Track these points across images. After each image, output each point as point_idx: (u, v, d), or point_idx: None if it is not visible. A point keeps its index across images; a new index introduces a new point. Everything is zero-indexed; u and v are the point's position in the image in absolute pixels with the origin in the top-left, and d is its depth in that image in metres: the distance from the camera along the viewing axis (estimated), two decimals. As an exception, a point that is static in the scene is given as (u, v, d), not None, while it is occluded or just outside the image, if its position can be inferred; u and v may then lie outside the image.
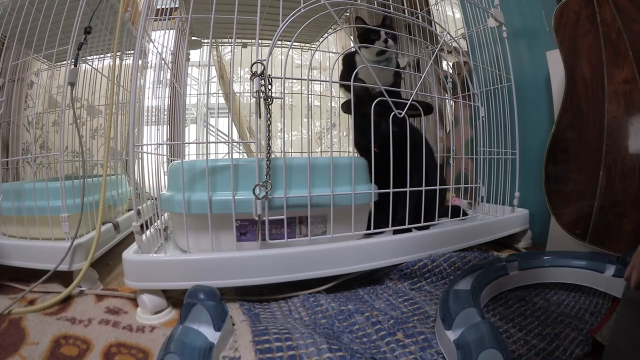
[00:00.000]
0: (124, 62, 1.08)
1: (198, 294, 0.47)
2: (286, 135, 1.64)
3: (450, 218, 0.90)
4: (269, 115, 0.59)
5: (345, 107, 0.80)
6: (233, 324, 0.52)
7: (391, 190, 0.70)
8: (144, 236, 0.62)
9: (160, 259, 0.60)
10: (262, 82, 0.57)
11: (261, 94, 0.58)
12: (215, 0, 0.61)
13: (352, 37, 0.95)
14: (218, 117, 2.06)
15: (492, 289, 0.61)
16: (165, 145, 0.99)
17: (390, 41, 0.87)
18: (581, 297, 0.62)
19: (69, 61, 0.73)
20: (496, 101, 0.96)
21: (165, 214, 0.80)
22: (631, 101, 0.73)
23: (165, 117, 1.16)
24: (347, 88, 0.84)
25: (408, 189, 0.72)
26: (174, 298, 0.62)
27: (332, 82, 0.72)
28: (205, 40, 1.17)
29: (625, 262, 0.59)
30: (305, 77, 0.65)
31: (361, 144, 0.81)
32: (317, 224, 0.67)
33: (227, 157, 0.98)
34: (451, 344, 0.42)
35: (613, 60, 0.76)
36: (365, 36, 0.90)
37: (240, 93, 1.64)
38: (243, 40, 1.26)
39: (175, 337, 0.41)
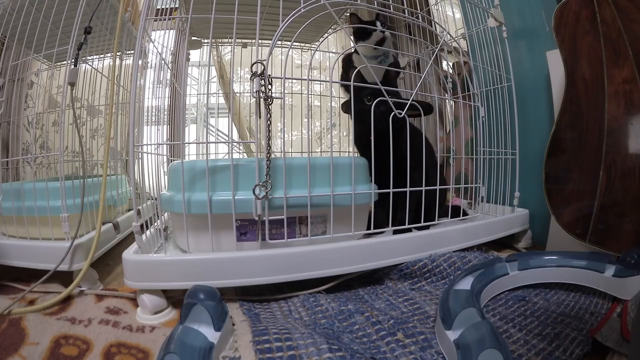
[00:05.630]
0: (124, 62, 1.08)
1: (198, 294, 0.47)
2: (286, 135, 1.64)
3: (450, 218, 0.90)
4: (269, 115, 0.59)
5: (345, 107, 0.81)
6: (233, 324, 0.52)
7: (391, 190, 0.70)
8: (144, 236, 0.62)
9: (160, 259, 0.60)
10: (262, 82, 0.57)
11: (261, 94, 0.58)
12: (215, 0, 0.61)
13: (351, 37, 0.95)
14: (218, 117, 2.06)
15: (492, 289, 0.61)
16: (165, 145, 0.99)
17: (387, 32, 0.87)
18: (581, 297, 0.62)
19: (69, 61, 0.73)
20: (496, 101, 0.96)
21: (165, 214, 0.80)
22: (631, 101, 0.73)
23: (165, 117, 1.16)
24: (347, 88, 0.85)
25: (408, 189, 0.72)
26: (174, 298, 0.62)
27: (332, 82, 0.72)
28: (205, 40, 1.17)
29: (625, 262, 0.59)
30: (305, 77, 0.65)
31: (359, 134, 0.81)
32: (317, 224, 0.67)
33: (227, 157, 0.98)
34: (451, 344, 0.42)
35: (613, 60, 0.76)
36: (361, 32, 0.90)
37: (240, 93, 1.64)
38: (243, 40, 1.26)
39: (175, 337, 0.41)
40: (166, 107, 1.12)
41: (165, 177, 0.78)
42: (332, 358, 0.41)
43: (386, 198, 0.71)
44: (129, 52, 1.08)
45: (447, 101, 1.26)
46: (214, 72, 1.77)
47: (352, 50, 0.99)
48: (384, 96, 0.70)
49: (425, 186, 0.75)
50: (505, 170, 0.94)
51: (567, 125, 0.83)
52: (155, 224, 0.70)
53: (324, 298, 0.61)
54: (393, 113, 0.71)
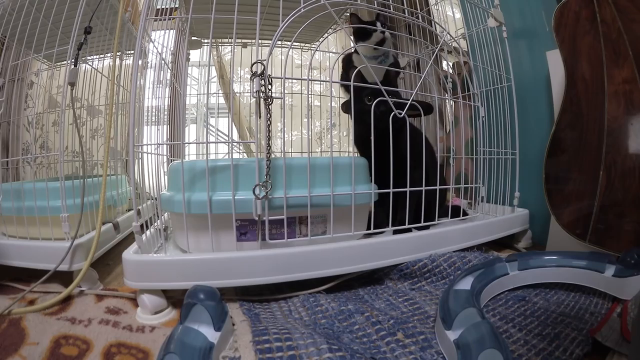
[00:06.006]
0: (124, 62, 1.08)
1: (198, 294, 0.47)
2: (286, 135, 1.64)
3: (450, 218, 0.90)
4: (269, 115, 0.59)
5: (345, 107, 0.81)
6: (233, 324, 0.52)
7: (391, 190, 0.70)
8: (144, 236, 0.62)
9: (160, 259, 0.60)
10: (262, 82, 0.57)
11: (261, 94, 0.58)
12: (215, 0, 0.61)
13: (351, 37, 0.95)
14: (218, 117, 2.06)
15: (492, 289, 0.61)
16: (165, 145, 0.99)
17: (387, 32, 0.88)
18: (581, 297, 0.62)
19: (69, 61, 0.73)
20: (496, 101, 0.96)
21: (165, 214, 0.80)
22: (631, 101, 0.73)
23: (165, 117, 1.16)
24: (346, 88, 0.85)
25: (408, 189, 0.72)
26: (174, 298, 0.62)
27: (332, 82, 0.72)
28: (205, 40, 1.17)
29: (625, 262, 0.59)
30: (305, 77, 0.65)
31: (359, 134, 0.81)
32: (317, 224, 0.67)
33: (227, 157, 0.99)
34: (451, 344, 0.42)
35: (613, 60, 0.76)
36: (361, 32, 0.90)
37: (240, 93, 1.64)
38: (243, 40, 1.26)
39: (175, 337, 0.41)
40: (166, 107, 1.12)
41: (165, 177, 0.78)
42: (332, 358, 0.41)
43: (386, 198, 0.71)
44: (129, 52, 1.08)
45: (447, 101, 1.26)
46: (214, 72, 1.77)
47: (352, 51, 0.99)
48: (384, 96, 0.70)
49: (425, 186, 0.75)
50: (505, 170, 0.94)
51: (567, 125, 0.83)
52: (155, 224, 0.70)
53: (324, 298, 0.61)
54: (393, 113, 0.71)
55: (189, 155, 1.21)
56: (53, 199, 0.72)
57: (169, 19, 0.90)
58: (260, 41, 0.62)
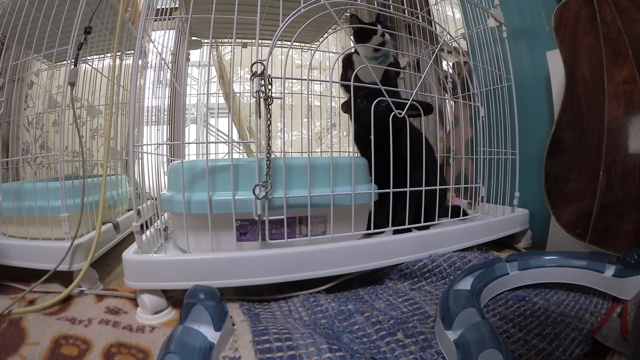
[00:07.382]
0: (124, 62, 1.08)
1: (198, 294, 0.47)
2: (286, 135, 1.64)
3: (450, 218, 0.90)
4: (269, 115, 0.59)
5: (345, 107, 0.81)
6: (233, 324, 0.52)
7: (391, 190, 0.70)
8: (144, 236, 0.62)
9: (160, 259, 0.60)
10: (262, 82, 0.57)
11: (261, 94, 0.58)
12: (215, 0, 0.61)
13: (352, 37, 0.95)
14: (218, 117, 2.06)
15: (492, 289, 0.61)
16: (165, 145, 0.99)
17: (387, 35, 0.88)
18: (581, 297, 0.62)
19: (69, 61, 0.73)
20: (496, 101, 0.96)
21: (165, 214, 0.80)
22: (631, 101, 0.73)
23: (165, 117, 1.16)
24: (347, 88, 0.85)
25: (408, 189, 0.72)
26: (174, 298, 0.62)
27: (332, 82, 0.72)
28: (205, 40, 1.17)
29: (625, 262, 0.59)
30: (305, 77, 0.65)
31: (359, 134, 0.81)
32: (317, 224, 0.67)
33: (227, 157, 0.98)
34: (451, 344, 0.42)
35: (613, 60, 0.76)
36: (362, 33, 0.90)
37: (240, 93, 1.64)
38: (243, 40, 1.26)
39: (175, 337, 0.41)
40: (166, 107, 1.12)
41: (165, 177, 0.78)
42: (332, 358, 0.41)
43: (386, 198, 0.71)
44: (129, 52, 1.08)
45: (447, 101, 1.26)
46: (214, 72, 1.77)
47: (352, 51, 0.99)
48: (382, 96, 0.70)
49: (425, 186, 0.75)
50: (505, 170, 0.94)
51: (567, 125, 0.83)
52: (155, 224, 0.70)
53: (324, 298, 0.61)
54: (393, 113, 0.71)
55: (189, 155, 1.21)
56: (53, 199, 0.72)
57: (169, 19, 0.90)
58: (260, 41, 0.62)
